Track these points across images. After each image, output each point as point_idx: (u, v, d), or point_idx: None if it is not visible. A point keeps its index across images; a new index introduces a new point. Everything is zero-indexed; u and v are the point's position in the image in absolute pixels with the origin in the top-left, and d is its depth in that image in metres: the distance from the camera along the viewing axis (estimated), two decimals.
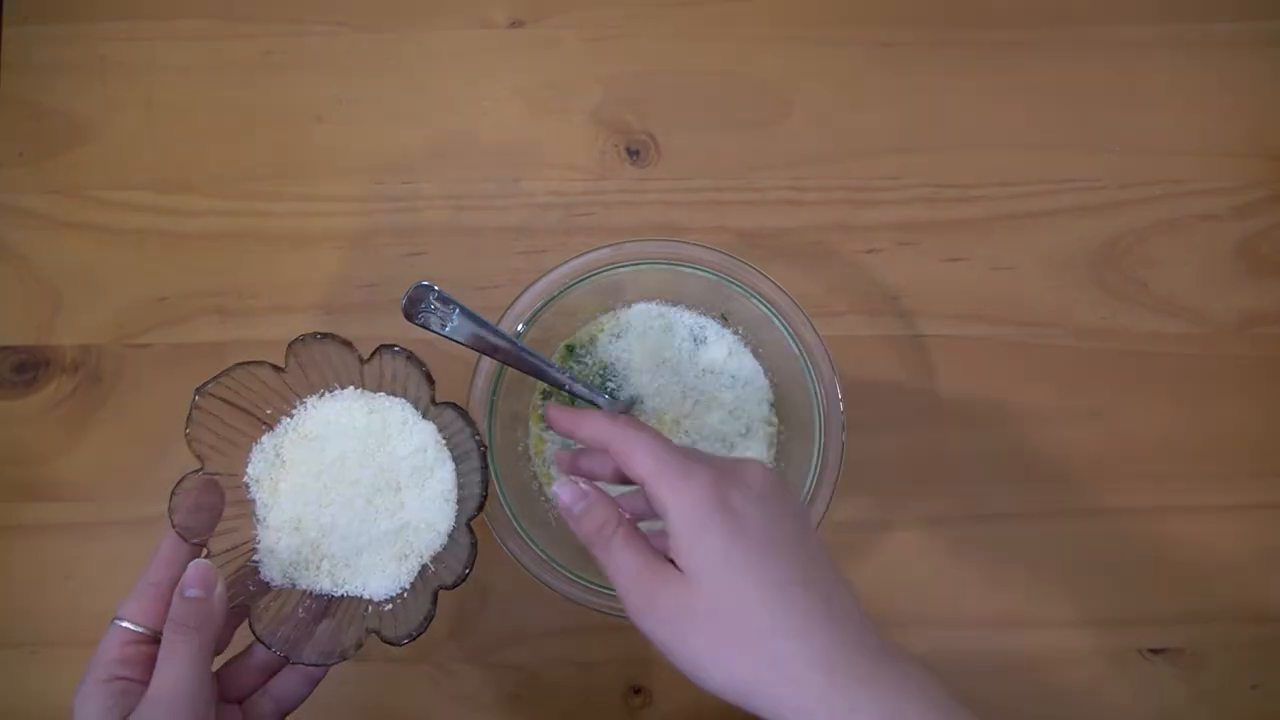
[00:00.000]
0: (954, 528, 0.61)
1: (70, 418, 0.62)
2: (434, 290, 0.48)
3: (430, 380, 0.47)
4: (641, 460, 0.38)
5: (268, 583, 0.47)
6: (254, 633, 0.44)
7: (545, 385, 0.58)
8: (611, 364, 0.58)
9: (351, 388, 0.49)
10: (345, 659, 0.45)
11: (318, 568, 0.48)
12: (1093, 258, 0.64)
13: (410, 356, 0.46)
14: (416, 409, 0.49)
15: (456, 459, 0.49)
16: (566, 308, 0.56)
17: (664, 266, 0.55)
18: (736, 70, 0.66)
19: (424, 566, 0.48)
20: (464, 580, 0.45)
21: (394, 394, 0.49)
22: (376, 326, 0.62)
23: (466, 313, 0.49)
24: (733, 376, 0.58)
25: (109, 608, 0.60)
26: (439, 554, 0.48)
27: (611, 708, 0.59)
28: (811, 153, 0.65)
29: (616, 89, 0.66)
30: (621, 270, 0.55)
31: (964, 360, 0.63)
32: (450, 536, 0.48)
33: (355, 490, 0.48)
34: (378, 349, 0.47)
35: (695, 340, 0.59)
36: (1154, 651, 0.60)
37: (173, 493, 0.45)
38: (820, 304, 0.63)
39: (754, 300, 0.54)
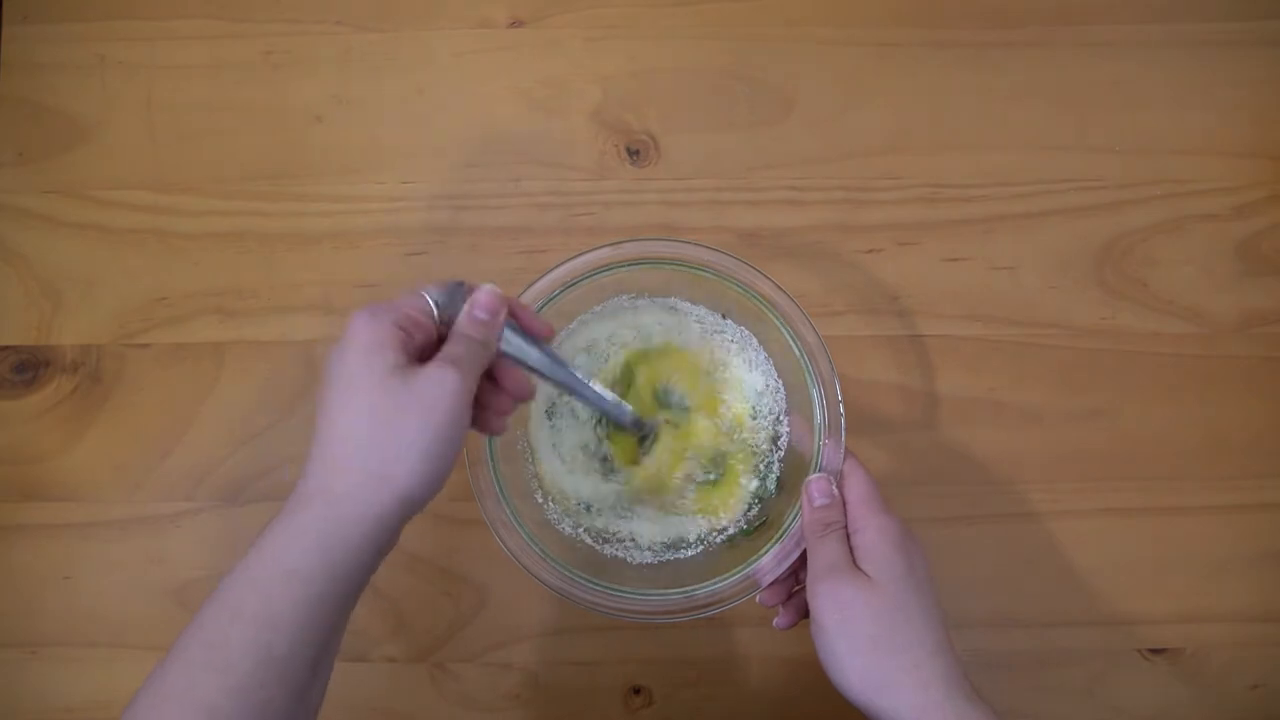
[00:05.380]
0: (954, 528, 0.61)
1: (70, 418, 0.62)
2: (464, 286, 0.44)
3: None
4: (854, 486, 0.49)
5: None
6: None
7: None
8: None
9: None
10: None
11: None
12: (1093, 258, 0.64)
13: None
14: None
15: None
16: (566, 308, 0.56)
17: (664, 266, 0.55)
18: (736, 70, 0.66)
19: None
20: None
21: None
22: None
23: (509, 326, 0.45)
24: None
25: (109, 608, 0.60)
26: None
27: (611, 708, 0.59)
28: (811, 153, 0.65)
29: (616, 89, 0.66)
30: (621, 270, 0.55)
31: (964, 360, 0.63)
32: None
33: None
34: None
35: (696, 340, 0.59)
36: (1154, 651, 0.60)
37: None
38: (820, 304, 0.63)
39: (754, 300, 0.54)
